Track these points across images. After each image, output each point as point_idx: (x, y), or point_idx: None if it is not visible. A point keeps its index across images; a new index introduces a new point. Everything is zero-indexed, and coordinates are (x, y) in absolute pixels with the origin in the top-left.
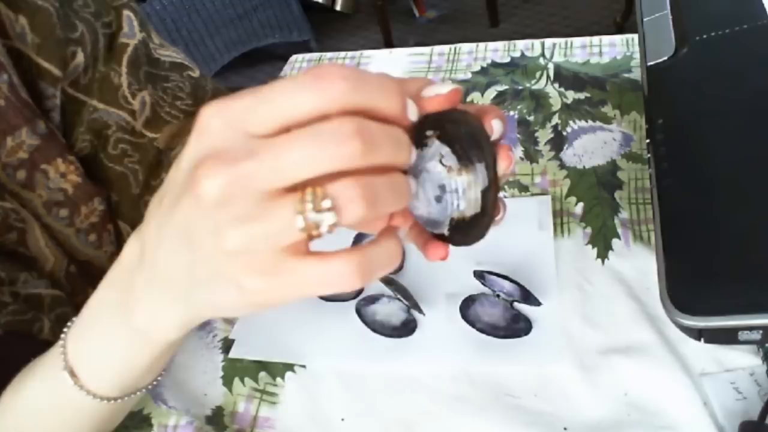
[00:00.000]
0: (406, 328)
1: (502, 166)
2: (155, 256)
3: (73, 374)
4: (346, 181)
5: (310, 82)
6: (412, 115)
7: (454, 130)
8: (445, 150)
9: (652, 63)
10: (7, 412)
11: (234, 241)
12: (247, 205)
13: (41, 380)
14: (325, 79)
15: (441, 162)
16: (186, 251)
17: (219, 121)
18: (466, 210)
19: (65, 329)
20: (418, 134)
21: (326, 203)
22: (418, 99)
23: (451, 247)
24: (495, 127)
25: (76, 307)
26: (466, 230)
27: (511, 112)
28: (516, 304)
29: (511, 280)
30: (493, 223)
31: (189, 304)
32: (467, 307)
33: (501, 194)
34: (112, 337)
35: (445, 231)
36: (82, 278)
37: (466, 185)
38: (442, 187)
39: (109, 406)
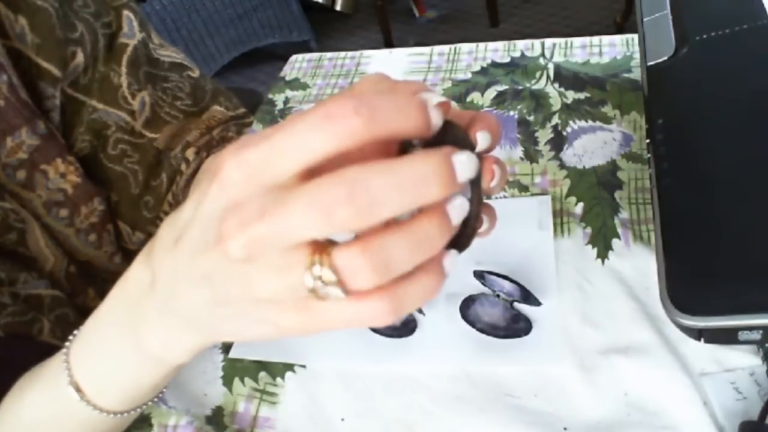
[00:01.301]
0: (406, 328)
1: (486, 180)
2: (172, 290)
3: (78, 389)
4: (352, 250)
5: (322, 124)
6: (437, 122)
7: (438, 140)
8: None
9: (652, 63)
10: (10, 418)
11: (263, 291)
12: (272, 260)
13: (44, 390)
14: (336, 118)
15: None
16: (209, 293)
17: (238, 174)
18: None
19: (67, 342)
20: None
21: (330, 276)
22: None
23: None
24: (481, 140)
25: (76, 308)
26: (449, 241)
27: (511, 112)
28: (516, 304)
29: (511, 280)
30: (478, 235)
31: (208, 334)
32: (467, 307)
33: (501, 195)
34: (120, 358)
35: None
36: (82, 278)
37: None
38: None
39: (114, 419)
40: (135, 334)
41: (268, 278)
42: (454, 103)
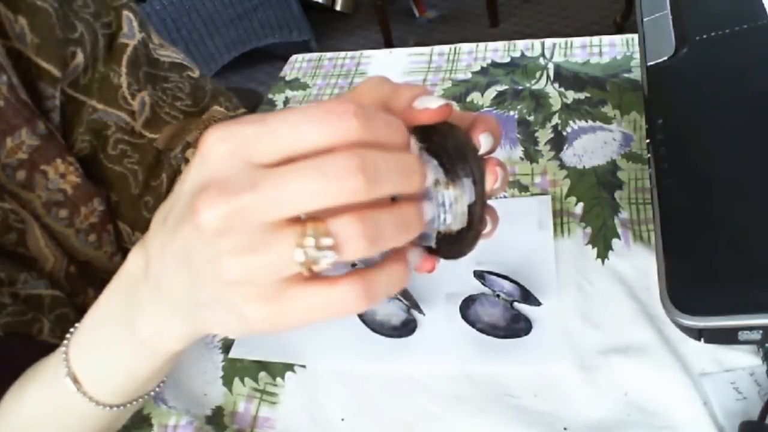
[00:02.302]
0: (406, 328)
1: (490, 181)
2: (159, 272)
3: (76, 381)
4: (348, 218)
5: (321, 116)
6: (413, 151)
7: (441, 143)
8: (433, 163)
9: (652, 63)
10: (9, 416)
11: (233, 271)
12: (247, 236)
13: (44, 385)
14: (336, 114)
15: None
16: (188, 273)
17: (223, 147)
18: (453, 224)
19: (68, 335)
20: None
21: (327, 241)
22: (409, 109)
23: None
24: (484, 142)
25: (76, 308)
26: (453, 244)
27: (511, 112)
28: (516, 304)
29: (511, 280)
30: (481, 237)
31: (193, 320)
32: (467, 307)
33: (501, 195)
34: (115, 346)
35: (433, 244)
36: (82, 278)
37: (453, 199)
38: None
39: (111, 413)
40: (129, 322)
41: (239, 255)
42: (454, 103)
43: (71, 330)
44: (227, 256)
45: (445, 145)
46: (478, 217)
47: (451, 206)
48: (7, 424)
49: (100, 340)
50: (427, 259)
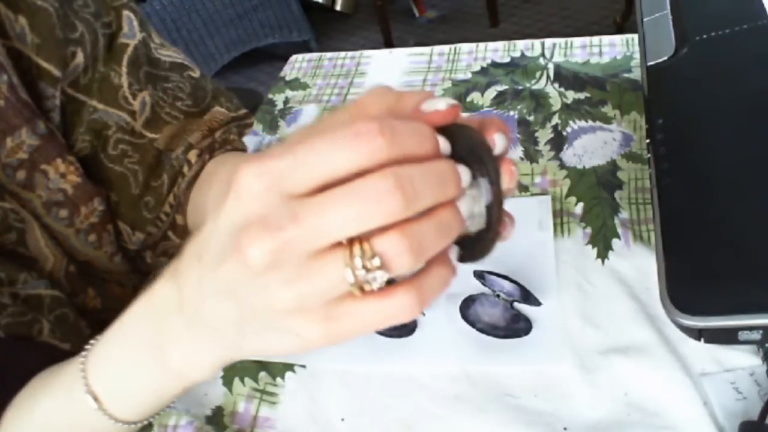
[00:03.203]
0: (406, 328)
1: (505, 181)
2: (197, 306)
3: (95, 398)
4: (392, 236)
5: (349, 140)
6: (445, 150)
7: (455, 144)
8: None
9: (652, 63)
10: (19, 422)
11: (286, 300)
12: (296, 267)
13: (58, 396)
14: (362, 136)
15: None
16: (233, 307)
17: (258, 184)
18: (471, 226)
19: (85, 350)
20: None
21: (376, 261)
22: (417, 114)
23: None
24: (498, 142)
25: (76, 308)
26: (472, 246)
27: (511, 112)
28: (516, 304)
29: (511, 280)
30: (500, 239)
31: (234, 350)
32: (467, 307)
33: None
34: (142, 370)
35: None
36: (81, 278)
37: (471, 200)
38: None
39: (125, 428)
40: (160, 349)
41: (289, 287)
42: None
43: (87, 346)
44: (278, 288)
45: (460, 146)
46: (496, 218)
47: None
48: (17, 430)
49: (124, 363)
50: None
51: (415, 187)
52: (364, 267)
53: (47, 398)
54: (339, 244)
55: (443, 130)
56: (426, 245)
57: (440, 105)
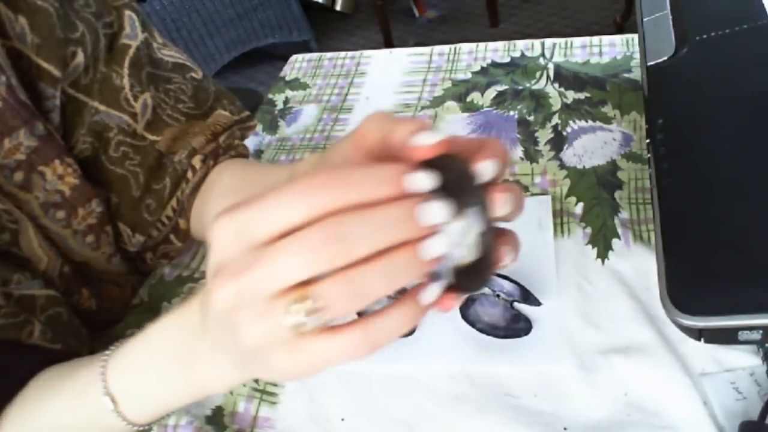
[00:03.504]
0: None
1: (493, 208)
2: (212, 333)
3: (113, 401)
4: (329, 282)
5: (300, 192)
6: (425, 186)
7: (442, 176)
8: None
9: (652, 63)
10: (24, 422)
11: (252, 338)
12: (256, 308)
13: (70, 399)
14: (312, 188)
15: None
16: (228, 338)
17: (227, 234)
18: (466, 256)
19: (106, 354)
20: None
21: (308, 305)
22: (407, 147)
23: None
24: (484, 169)
25: (71, 307)
26: (470, 276)
27: (511, 112)
28: (516, 304)
29: (511, 280)
30: (505, 264)
31: (246, 372)
32: (467, 307)
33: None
34: (166, 380)
35: (451, 280)
36: (75, 279)
37: (462, 231)
38: None
39: (135, 429)
40: (188, 364)
41: (253, 326)
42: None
43: (109, 350)
44: (245, 327)
45: (448, 177)
46: (491, 245)
47: (461, 239)
48: (23, 429)
49: (147, 372)
50: (447, 298)
51: (353, 236)
52: (301, 312)
53: (56, 399)
54: (291, 287)
55: (432, 161)
56: (366, 290)
57: (428, 140)
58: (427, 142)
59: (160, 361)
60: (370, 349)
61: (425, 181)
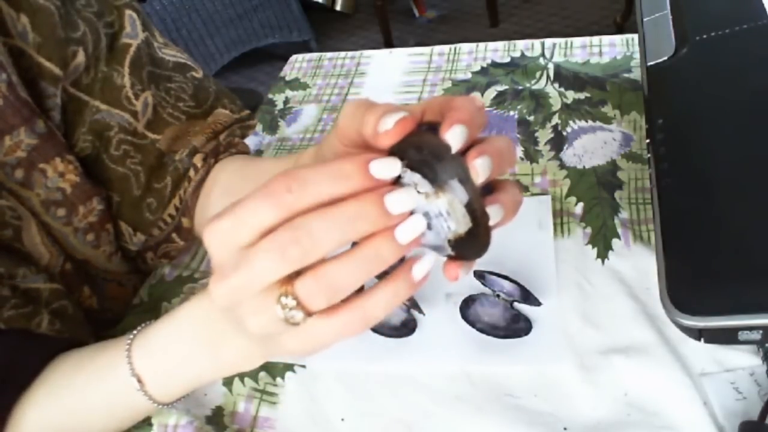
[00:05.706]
0: (406, 328)
1: (474, 174)
2: (229, 321)
3: (139, 381)
4: (304, 279)
5: (263, 200)
6: (387, 175)
7: (417, 155)
8: (417, 177)
9: (652, 63)
10: (48, 404)
11: (256, 327)
12: (253, 303)
13: (95, 380)
14: (272, 195)
15: (417, 191)
16: (239, 326)
17: (215, 240)
18: (458, 228)
19: (131, 336)
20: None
21: (291, 301)
22: (375, 134)
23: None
24: (455, 137)
25: (74, 300)
26: (468, 246)
27: (511, 112)
28: (516, 304)
29: (511, 280)
30: (496, 226)
31: (267, 351)
32: (467, 307)
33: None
34: (192, 360)
35: (450, 252)
36: (77, 276)
37: (448, 205)
38: (427, 215)
39: (156, 408)
40: (215, 345)
41: (254, 318)
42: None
43: (133, 332)
44: (248, 318)
45: (421, 155)
46: (480, 212)
47: (449, 213)
48: (47, 411)
49: (175, 354)
50: (452, 267)
51: (317, 234)
52: (287, 306)
53: (79, 381)
54: (278, 282)
55: (405, 141)
56: (340, 283)
57: (389, 123)
58: (388, 126)
59: (187, 343)
60: (365, 325)
61: (388, 168)
